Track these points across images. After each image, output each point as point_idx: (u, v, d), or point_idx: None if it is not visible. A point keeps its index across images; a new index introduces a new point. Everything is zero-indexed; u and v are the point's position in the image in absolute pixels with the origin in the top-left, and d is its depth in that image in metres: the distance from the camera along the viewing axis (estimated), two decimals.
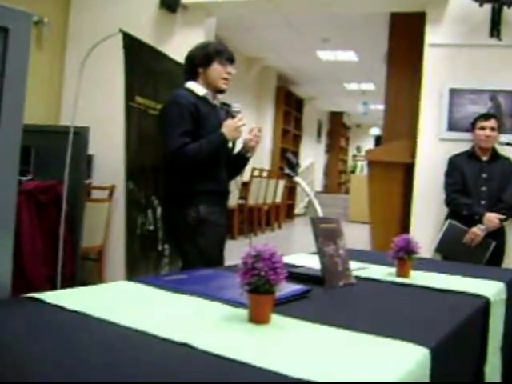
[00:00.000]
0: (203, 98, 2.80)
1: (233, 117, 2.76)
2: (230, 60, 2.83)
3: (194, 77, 2.84)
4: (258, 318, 1.28)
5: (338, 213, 12.04)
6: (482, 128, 3.92)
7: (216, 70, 2.79)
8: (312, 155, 16.20)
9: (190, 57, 2.87)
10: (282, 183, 11.15)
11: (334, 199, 14.82)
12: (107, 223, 4.71)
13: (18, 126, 1.48)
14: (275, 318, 1.32)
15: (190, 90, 2.81)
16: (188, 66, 2.87)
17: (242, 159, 2.96)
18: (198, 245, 2.72)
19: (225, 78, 2.81)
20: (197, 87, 2.82)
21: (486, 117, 3.98)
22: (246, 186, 8.97)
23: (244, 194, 8.95)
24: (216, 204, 2.78)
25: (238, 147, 2.92)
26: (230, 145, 2.84)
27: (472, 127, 4.02)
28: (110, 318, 1.24)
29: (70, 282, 3.72)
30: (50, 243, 3.70)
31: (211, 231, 2.74)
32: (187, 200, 2.73)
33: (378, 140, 12.77)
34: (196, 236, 2.72)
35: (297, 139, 13.92)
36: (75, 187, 3.81)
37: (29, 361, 0.96)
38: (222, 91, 2.86)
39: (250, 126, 2.92)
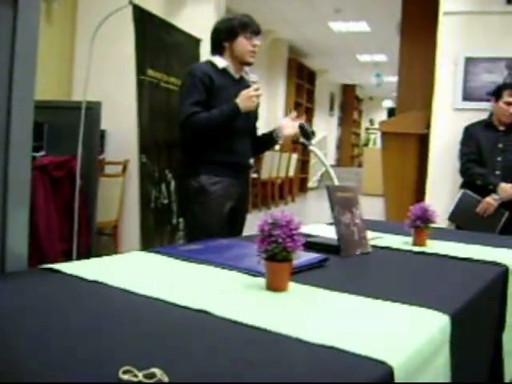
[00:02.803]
0: (223, 70, 2.78)
1: (248, 87, 2.74)
2: (256, 32, 2.79)
3: (219, 50, 2.82)
4: (275, 286, 1.27)
5: None
6: (510, 104, 3.79)
7: (242, 43, 2.76)
8: (324, 128, 16.10)
9: (215, 31, 2.84)
10: (294, 157, 11.11)
11: (348, 173, 14.74)
12: (121, 198, 4.72)
13: (30, 100, 1.46)
14: (293, 286, 1.31)
15: (210, 62, 2.81)
16: (213, 40, 2.85)
17: (271, 140, 2.94)
18: (198, 215, 2.72)
19: (251, 51, 2.78)
20: (218, 60, 2.80)
21: None
22: (258, 159, 8.95)
23: (257, 168, 8.93)
24: (221, 175, 2.74)
25: (261, 123, 2.86)
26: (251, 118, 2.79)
27: (495, 96, 3.88)
28: (126, 286, 1.24)
29: (86, 256, 3.72)
30: (66, 218, 3.71)
31: (212, 201, 2.71)
32: (192, 169, 2.74)
33: (391, 112, 12.63)
34: (196, 205, 2.73)
35: (309, 112, 13.82)
36: (89, 162, 3.81)
37: (46, 329, 0.96)
38: (248, 64, 2.83)
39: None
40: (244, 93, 2.68)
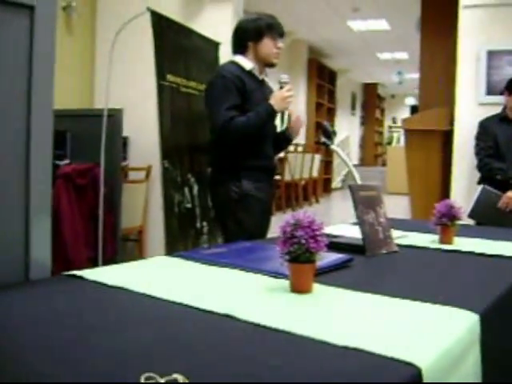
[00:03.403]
0: (249, 73, 2.73)
1: (280, 88, 2.70)
2: (280, 34, 2.76)
3: (242, 50, 2.76)
4: (299, 288, 1.26)
5: None
6: None
7: (267, 45, 2.71)
8: (347, 128, 16.03)
9: (240, 30, 2.77)
10: (317, 157, 11.06)
11: (372, 172, 14.65)
12: (145, 203, 4.74)
13: (49, 108, 1.46)
14: (317, 287, 1.29)
15: (236, 64, 2.75)
16: (237, 39, 2.78)
17: (286, 139, 2.93)
18: (241, 220, 2.67)
19: (276, 53, 2.75)
20: (244, 61, 2.74)
21: None
22: (281, 161, 8.93)
23: (280, 170, 8.91)
24: (260, 180, 2.72)
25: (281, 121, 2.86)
26: (278, 120, 2.76)
27: (508, 90, 3.84)
28: (150, 292, 1.23)
29: (111, 263, 3.74)
30: (90, 225, 3.73)
31: (254, 207, 2.69)
32: (231, 175, 2.68)
33: (414, 110, 12.55)
34: (239, 211, 2.67)
35: (331, 112, 13.77)
36: (112, 169, 3.83)
37: (67, 336, 0.96)
38: (272, 65, 2.78)
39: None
40: (278, 94, 2.66)
